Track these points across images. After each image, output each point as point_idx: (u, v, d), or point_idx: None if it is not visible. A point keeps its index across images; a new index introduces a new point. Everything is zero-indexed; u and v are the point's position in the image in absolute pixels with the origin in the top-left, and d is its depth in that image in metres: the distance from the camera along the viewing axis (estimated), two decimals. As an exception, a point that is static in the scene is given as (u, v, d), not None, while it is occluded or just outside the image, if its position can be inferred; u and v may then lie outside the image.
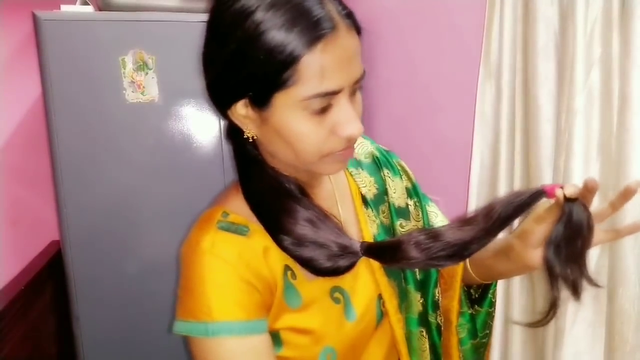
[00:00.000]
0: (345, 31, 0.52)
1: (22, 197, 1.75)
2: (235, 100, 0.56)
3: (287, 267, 0.61)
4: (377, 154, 0.78)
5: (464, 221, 0.60)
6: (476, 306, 0.76)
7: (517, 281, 1.11)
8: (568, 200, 0.56)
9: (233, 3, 0.52)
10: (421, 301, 0.73)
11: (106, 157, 1.36)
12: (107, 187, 1.36)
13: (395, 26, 1.60)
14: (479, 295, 0.76)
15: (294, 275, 0.61)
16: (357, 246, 0.61)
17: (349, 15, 0.53)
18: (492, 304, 0.76)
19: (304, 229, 0.59)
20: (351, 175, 0.73)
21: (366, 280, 0.68)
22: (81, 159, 1.34)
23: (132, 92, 1.35)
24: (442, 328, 0.75)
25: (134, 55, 1.33)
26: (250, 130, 0.58)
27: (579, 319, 0.94)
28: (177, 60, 1.36)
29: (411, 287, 0.72)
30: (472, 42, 1.24)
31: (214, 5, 0.55)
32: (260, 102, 0.54)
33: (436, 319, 0.75)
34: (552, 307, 0.59)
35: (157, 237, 1.40)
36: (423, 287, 0.75)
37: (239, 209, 0.62)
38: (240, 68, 0.53)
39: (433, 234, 0.60)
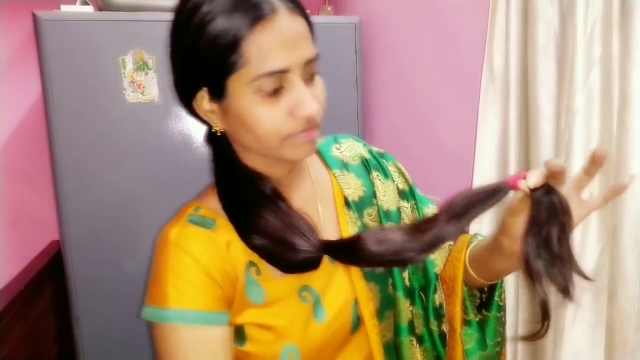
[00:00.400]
0: (285, 13, 0.55)
1: (22, 197, 1.75)
2: (194, 92, 0.59)
3: (251, 263, 0.62)
4: (368, 156, 0.77)
5: (427, 218, 0.61)
6: (484, 311, 0.71)
7: (514, 282, 1.11)
8: (534, 189, 0.53)
9: (187, 1, 0.57)
10: (411, 309, 0.71)
11: (106, 157, 1.36)
12: (107, 187, 1.36)
13: (395, 26, 1.60)
14: (486, 299, 0.72)
15: (258, 272, 0.63)
16: (316, 244, 0.61)
17: (287, 1, 0.56)
18: (501, 308, 0.72)
19: (270, 227, 0.61)
20: (335, 177, 0.73)
21: (342, 283, 0.67)
22: (81, 159, 1.34)
23: (132, 92, 1.35)
24: (447, 337, 0.72)
25: (134, 55, 1.33)
26: (216, 124, 0.61)
27: (579, 320, 0.94)
28: (177, 60, 1.36)
29: (400, 294, 0.70)
30: (472, 42, 1.24)
31: (176, 7, 0.59)
32: (218, 92, 0.57)
33: (438, 327, 0.72)
34: (546, 315, 0.55)
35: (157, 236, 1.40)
36: (424, 292, 0.73)
37: (212, 204, 0.65)
38: (194, 60, 0.57)
39: (394, 230, 0.61)
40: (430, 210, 0.79)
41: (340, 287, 0.67)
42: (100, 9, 1.38)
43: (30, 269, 1.43)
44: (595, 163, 0.54)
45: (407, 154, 1.53)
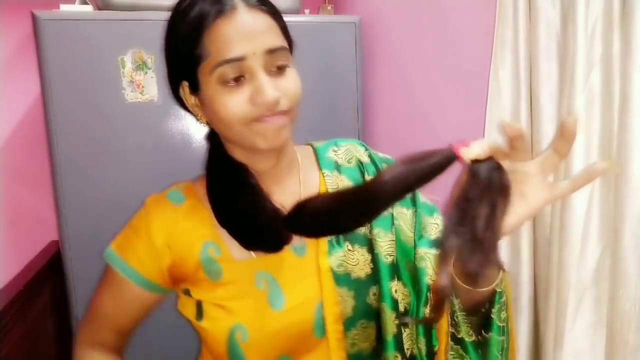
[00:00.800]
0: (244, 9, 0.61)
1: (21, 197, 1.75)
2: (177, 85, 0.67)
3: (209, 243, 0.68)
4: (366, 160, 0.77)
5: (371, 181, 0.59)
6: (484, 332, 0.61)
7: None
8: (476, 160, 0.48)
9: (176, 4, 0.64)
10: (397, 322, 0.68)
11: (105, 157, 1.36)
12: (106, 187, 1.36)
13: (396, 25, 1.60)
14: (485, 317, 0.63)
15: (218, 251, 0.68)
16: (274, 218, 0.65)
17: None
18: (502, 331, 0.60)
19: (240, 207, 0.67)
20: (324, 176, 0.74)
21: (309, 281, 0.67)
22: (80, 159, 1.33)
23: (132, 91, 1.35)
24: (435, 355, 0.68)
25: (133, 55, 1.33)
26: (201, 117, 0.68)
27: (580, 320, 0.94)
28: (176, 59, 1.36)
29: (385, 305, 0.68)
30: (473, 41, 1.24)
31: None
32: (194, 85, 0.64)
33: (427, 345, 0.69)
34: (440, 301, 0.51)
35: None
36: (417, 298, 0.71)
37: (196, 186, 0.73)
38: (173, 56, 0.65)
39: (336, 195, 0.64)
40: (432, 219, 0.75)
41: (306, 284, 0.68)
42: (99, 8, 1.37)
43: (30, 269, 1.42)
44: (564, 137, 0.48)
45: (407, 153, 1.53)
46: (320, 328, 0.67)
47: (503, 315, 0.60)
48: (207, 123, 0.69)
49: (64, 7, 1.33)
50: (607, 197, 0.90)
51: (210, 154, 0.72)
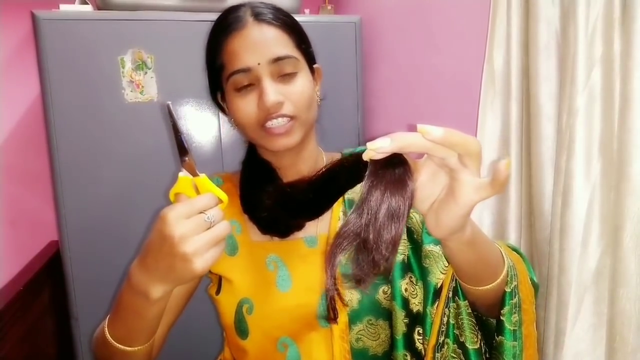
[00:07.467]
0: (253, 25, 0.68)
1: (20, 197, 1.75)
2: (215, 93, 0.76)
3: (232, 221, 0.75)
4: None
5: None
6: (496, 335, 0.59)
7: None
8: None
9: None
10: (406, 321, 0.68)
11: (105, 157, 1.35)
12: (106, 187, 1.36)
13: (395, 25, 1.60)
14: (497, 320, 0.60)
15: (239, 230, 0.76)
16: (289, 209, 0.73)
17: (258, 16, 0.69)
18: (512, 335, 0.57)
19: (257, 194, 0.74)
20: None
21: (317, 271, 0.70)
22: (80, 159, 1.33)
23: (131, 91, 1.34)
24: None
25: (132, 55, 1.33)
26: (232, 121, 0.75)
27: (580, 320, 0.94)
28: (176, 59, 1.36)
29: (396, 304, 0.68)
30: (473, 41, 1.24)
31: None
32: (222, 94, 0.73)
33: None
34: (331, 302, 0.58)
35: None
36: (425, 297, 0.69)
37: (234, 176, 0.82)
38: (208, 65, 0.74)
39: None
40: (428, 247, 0.72)
41: (313, 272, 0.71)
42: (99, 8, 1.37)
43: (29, 269, 1.42)
44: (496, 181, 0.42)
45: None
46: (323, 313, 0.69)
47: (514, 318, 0.57)
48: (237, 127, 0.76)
49: (64, 7, 1.33)
50: (607, 197, 0.90)
51: (246, 151, 0.81)
